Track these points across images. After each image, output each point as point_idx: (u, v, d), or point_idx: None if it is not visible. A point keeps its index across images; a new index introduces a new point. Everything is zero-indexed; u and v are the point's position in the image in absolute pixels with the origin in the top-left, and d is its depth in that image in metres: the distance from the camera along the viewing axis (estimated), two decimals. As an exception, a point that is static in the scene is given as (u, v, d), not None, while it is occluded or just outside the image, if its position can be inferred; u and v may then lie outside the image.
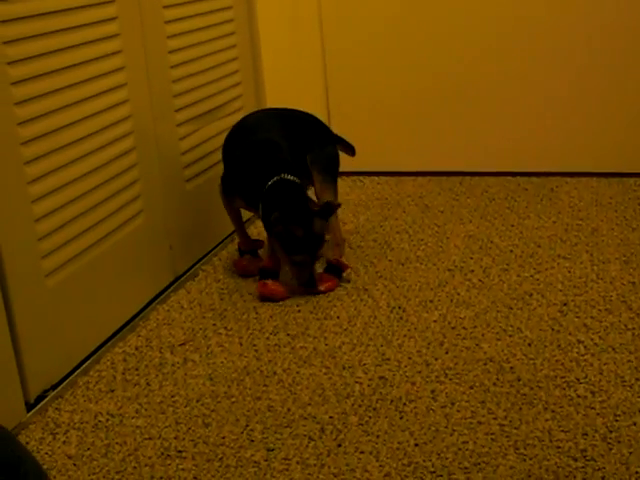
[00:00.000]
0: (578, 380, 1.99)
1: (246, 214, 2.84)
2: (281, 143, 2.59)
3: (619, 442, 1.75)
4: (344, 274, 2.61)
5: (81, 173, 2.22)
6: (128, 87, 2.41)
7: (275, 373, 2.13)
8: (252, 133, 2.65)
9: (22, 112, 1.99)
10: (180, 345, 2.31)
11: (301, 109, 2.83)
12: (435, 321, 2.33)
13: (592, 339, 2.18)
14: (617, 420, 1.83)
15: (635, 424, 1.81)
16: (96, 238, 2.29)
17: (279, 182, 2.50)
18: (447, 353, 2.16)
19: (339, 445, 1.82)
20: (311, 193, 2.68)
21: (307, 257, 2.47)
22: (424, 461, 1.74)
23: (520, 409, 1.89)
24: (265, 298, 2.52)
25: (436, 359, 2.14)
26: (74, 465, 1.82)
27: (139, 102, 2.48)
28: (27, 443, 1.91)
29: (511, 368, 2.06)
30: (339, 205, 2.59)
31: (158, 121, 2.59)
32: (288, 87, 3.46)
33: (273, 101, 3.16)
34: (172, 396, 2.07)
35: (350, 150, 2.87)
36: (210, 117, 2.91)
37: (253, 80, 3.25)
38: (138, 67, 2.47)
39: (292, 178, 2.50)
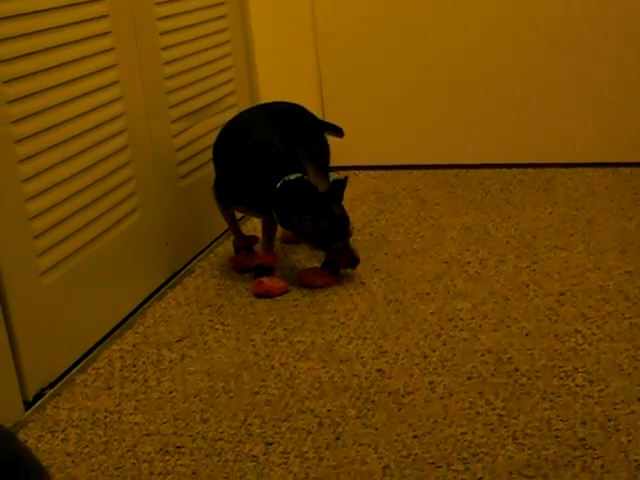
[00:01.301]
0: (576, 369, 1.99)
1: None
2: (277, 144, 2.57)
3: (618, 430, 1.75)
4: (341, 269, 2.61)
5: (76, 171, 2.21)
6: (121, 84, 2.41)
7: (273, 367, 2.13)
8: (244, 136, 2.60)
9: (15, 110, 1.98)
10: (177, 341, 2.31)
11: (290, 101, 2.80)
12: (432, 313, 2.33)
13: (589, 328, 2.18)
14: (615, 409, 1.83)
15: (634, 412, 1.81)
16: (92, 236, 2.29)
17: (286, 184, 2.48)
18: (445, 345, 2.16)
19: (337, 438, 1.82)
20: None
21: (341, 242, 2.49)
22: (423, 452, 1.74)
23: (518, 399, 1.89)
24: (261, 296, 2.52)
25: (434, 351, 2.14)
26: (73, 462, 1.82)
27: (132, 99, 2.47)
28: (26, 441, 1.90)
29: (509, 359, 2.06)
30: (346, 179, 2.57)
31: (152, 118, 2.58)
32: (282, 83, 3.45)
33: (267, 97, 3.15)
34: (170, 392, 2.06)
35: (339, 133, 2.84)
36: (204, 113, 2.91)
37: (247, 76, 3.25)
38: (131, 64, 2.47)
39: (296, 176, 2.49)
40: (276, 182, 2.48)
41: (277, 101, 2.79)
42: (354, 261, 2.53)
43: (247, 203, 2.60)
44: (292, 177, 2.48)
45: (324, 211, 2.46)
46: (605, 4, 3.27)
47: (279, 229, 2.67)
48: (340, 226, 2.48)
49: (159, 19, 2.63)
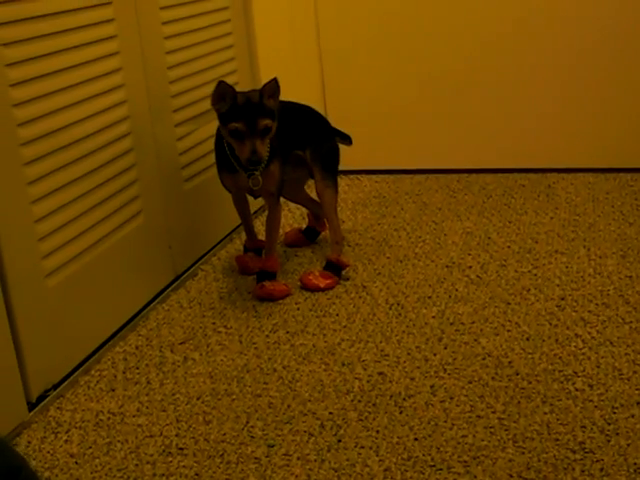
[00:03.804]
0: (576, 373, 2.01)
1: (253, 207, 2.81)
2: None
3: (617, 434, 1.77)
4: (343, 272, 2.62)
5: (80, 174, 2.23)
6: (126, 88, 2.42)
7: (275, 370, 2.14)
8: None
9: (21, 113, 2.00)
10: (180, 344, 2.32)
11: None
12: (433, 317, 2.34)
13: (590, 333, 2.19)
14: (615, 412, 1.84)
15: (633, 416, 1.82)
16: (96, 238, 2.30)
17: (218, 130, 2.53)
18: (446, 348, 2.17)
19: (339, 440, 1.83)
20: (311, 190, 2.69)
21: (244, 125, 2.38)
22: (424, 455, 1.75)
23: (519, 403, 1.91)
24: (264, 299, 2.53)
25: (435, 354, 2.15)
26: (76, 463, 1.84)
27: (137, 103, 2.49)
28: (29, 442, 1.92)
29: (509, 362, 2.08)
30: (275, 80, 2.50)
31: (156, 122, 2.60)
32: (285, 86, 3.45)
33: (270, 101, 3.17)
34: (173, 394, 2.08)
35: (347, 140, 2.85)
36: (207, 117, 2.92)
37: (250, 79, 3.26)
38: (135, 68, 2.48)
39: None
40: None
41: (292, 101, 2.75)
42: (255, 160, 2.36)
43: (226, 167, 2.56)
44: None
45: (240, 93, 2.45)
46: (606, 18, 3.29)
47: (281, 232, 2.67)
48: (249, 109, 2.39)
49: (164, 23, 2.64)
